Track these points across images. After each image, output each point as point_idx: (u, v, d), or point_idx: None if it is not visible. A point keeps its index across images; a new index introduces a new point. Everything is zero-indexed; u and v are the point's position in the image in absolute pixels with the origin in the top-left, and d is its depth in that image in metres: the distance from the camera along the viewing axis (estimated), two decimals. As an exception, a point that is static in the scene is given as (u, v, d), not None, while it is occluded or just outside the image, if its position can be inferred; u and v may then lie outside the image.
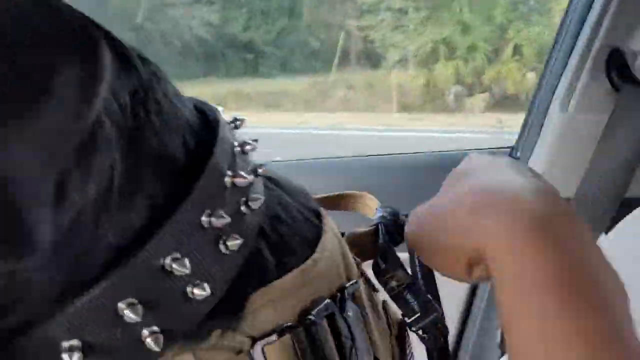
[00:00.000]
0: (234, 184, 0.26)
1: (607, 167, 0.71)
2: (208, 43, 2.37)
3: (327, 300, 0.29)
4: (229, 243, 0.25)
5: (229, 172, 0.26)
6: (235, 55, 2.39)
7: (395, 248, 0.42)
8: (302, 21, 2.42)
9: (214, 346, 0.26)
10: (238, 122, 0.29)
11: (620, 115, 0.72)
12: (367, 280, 0.35)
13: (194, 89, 0.42)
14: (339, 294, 0.31)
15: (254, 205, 0.27)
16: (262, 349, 0.27)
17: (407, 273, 0.36)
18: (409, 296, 0.35)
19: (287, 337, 0.27)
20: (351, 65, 2.52)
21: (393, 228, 0.38)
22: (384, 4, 2.43)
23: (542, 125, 0.74)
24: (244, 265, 0.27)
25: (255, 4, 2.35)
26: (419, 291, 0.36)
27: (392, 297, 0.36)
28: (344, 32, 2.42)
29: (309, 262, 0.29)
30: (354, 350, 0.29)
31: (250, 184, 0.27)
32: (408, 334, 0.38)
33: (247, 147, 0.28)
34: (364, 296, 0.32)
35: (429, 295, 0.37)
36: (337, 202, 0.42)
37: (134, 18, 1.95)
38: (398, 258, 0.36)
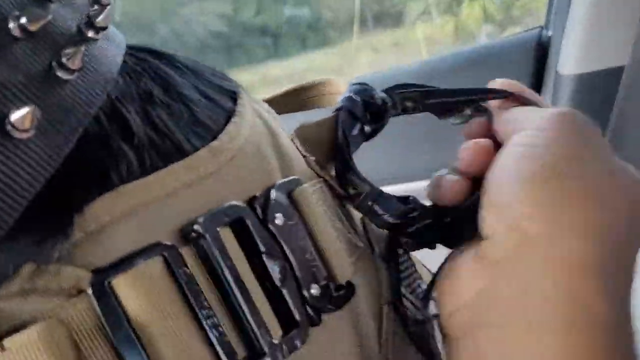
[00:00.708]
0: (27, 31, 0.18)
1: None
2: (224, 35, 2.36)
3: (233, 203, 0.22)
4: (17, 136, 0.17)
5: (17, 13, 0.18)
6: (253, 41, 2.37)
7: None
8: (313, -7, 2.36)
9: (23, 291, 0.18)
10: None
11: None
12: (331, 187, 0.29)
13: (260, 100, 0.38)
14: (263, 198, 0.24)
15: (73, 63, 0.19)
16: (109, 284, 0.19)
17: (363, 180, 0.28)
18: (375, 207, 0.28)
19: (154, 262, 0.20)
20: (372, 28, 2.44)
21: (363, 112, 0.31)
22: (394, -43, 2.33)
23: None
24: (75, 163, 0.20)
25: (263, -15, 2.30)
26: (388, 199, 0.29)
27: (357, 208, 0.29)
28: (359, -6, 2.34)
29: (201, 152, 0.23)
30: (288, 274, 0.23)
31: (77, 41, 0.20)
32: (400, 251, 0.30)
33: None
34: (317, 201, 0.26)
35: (410, 197, 0.29)
36: (292, 101, 0.34)
37: (146, 22, 1.94)
38: (350, 163, 0.28)
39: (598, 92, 0.67)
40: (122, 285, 0.19)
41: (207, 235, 0.21)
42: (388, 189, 0.32)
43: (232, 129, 0.25)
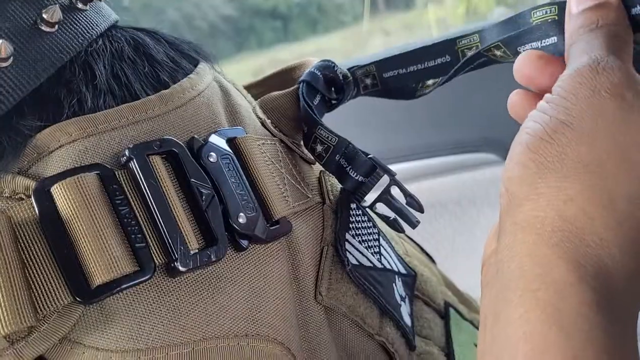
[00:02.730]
0: None
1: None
2: (234, 19, 2.36)
3: (166, 137, 0.26)
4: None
5: None
6: (263, 25, 2.36)
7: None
8: (323, -24, 2.34)
9: None
10: None
11: None
12: (288, 147, 0.32)
13: (230, 67, 0.40)
14: (202, 139, 0.27)
15: (51, 17, 0.25)
16: (48, 190, 0.23)
17: (332, 133, 0.31)
18: (342, 161, 0.31)
19: (88, 175, 0.23)
20: (382, 11, 2.43)
21: (324, 84, 0.34)
22: (405, -62, 2.31)
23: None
24: (38, 96, 0.24)
25: (273, -32, 2.29)
26: (354, 153, 0.32)
27: (325, 166, 0.32)
28: (369, -24, 2.32)
29: (151, 97, 0.27)
30: (214, 200, 0.26)
31: (66, 7, 0.27)
32: (354, 205, 0.33)
33: None
34: (261, 151, 0.30)
35: (371, 157, 0.31)
36: (280, 81, 0.38)
37: (156, 6, 1.95)
38: (315, 118, 0.32)
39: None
40: (59, 190, 0.23)
41: (135, 159, 0.24)
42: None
43: (185, 83, 0.29)
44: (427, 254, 0.46)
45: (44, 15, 0.25)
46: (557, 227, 0.19)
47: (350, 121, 0.69)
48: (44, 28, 0.25)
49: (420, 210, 0.34)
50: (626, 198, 0.19)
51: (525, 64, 0.26)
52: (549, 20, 0.29)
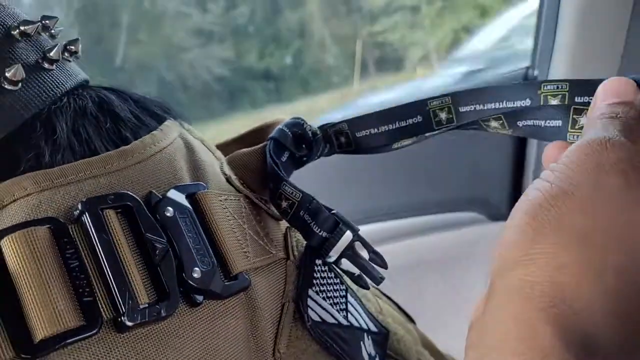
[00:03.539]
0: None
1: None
2: (227, 79, 2.41)
3: (121, 192, 0.26)
4: None
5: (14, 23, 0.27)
6: (255, 86, 2.42)
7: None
8: (314, 40, 2.43)
9: None
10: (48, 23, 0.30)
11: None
12: (254, 203, 0.33)
13: (222, 127, 0.41)
14: (160, 195, 0.27)
15: (13, 76, 0.26)
16: None
17: (296, 188, 0.31)
18: (306, 217, 0.31)
19: (39, 229, 0.23)
20: (373, 72, 2.49)
21: (292, 141, 0.35)
22: (395, 4, 2.41)
23: (556, 27, 0.66)
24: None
25: (265, 32, 2.38)
26: (318, 208, 0.33)
27: (290, 222, 0.32)
28: (359, 41, 2.41)
29: (111, 153, 0.27)
30: (168, 254, 0.26)
31: (31, 67, 0.28)
32: (320, 261, 0.34)
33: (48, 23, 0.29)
34: (222, 207, 0.29)
35: (334, 212, 0.31)
36: (258, 137, 0.38)
37: (150, 67, 1.99)
38: (280, 174, 0.32)
39: (582, 129, 0.68)
40: (8, 243, 0.23)
41: (87, 213, 0.24)
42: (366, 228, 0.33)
43: (147, 139, 0.29)
44: (406, 313, 0.45)
45: (7, 74, 0.26)
46: (547, 292, 0.20)
47: (334, 179, 0.69)
48: (7, 86, 0.26)
49: (384, 266, 0.33)
50: (614, 271, 0.19)
51: (553, 153, 0.28)
52: (559, 98, 0.30)
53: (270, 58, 2.30)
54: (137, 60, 1.99)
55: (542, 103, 0.30)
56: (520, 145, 0.82)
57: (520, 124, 0.31)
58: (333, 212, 0.32)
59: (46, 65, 0.29)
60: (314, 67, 2.37)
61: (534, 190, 0.22)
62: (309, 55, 2.35)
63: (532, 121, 0.30)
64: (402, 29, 2.26)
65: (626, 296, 0.19)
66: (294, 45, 2.31)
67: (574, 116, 0.29)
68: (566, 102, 0.29)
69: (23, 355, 0.22)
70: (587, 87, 0.29)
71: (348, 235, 0.32)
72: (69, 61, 0.32)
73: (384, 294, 0.44)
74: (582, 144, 0.22)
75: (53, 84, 0.29)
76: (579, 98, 0.29)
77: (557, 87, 0.30)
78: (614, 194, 0.20)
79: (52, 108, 0.29)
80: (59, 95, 0.29)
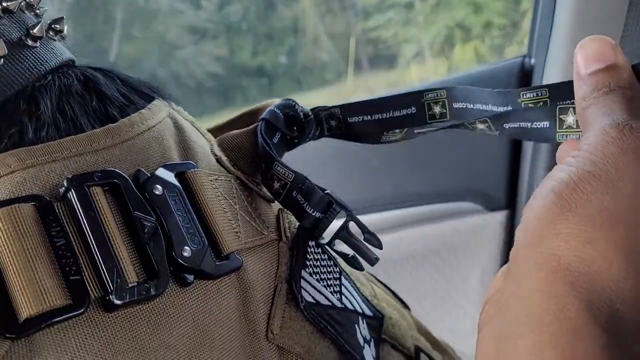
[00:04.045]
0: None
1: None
2: (221, 76, 2.40)
3: (108, 169, 0.25)
4: None
5: None
6: (249, 82, 2.41)
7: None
8: (307, 37, 2.44)
9: None
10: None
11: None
12: (245, 185, 0.32)
13: (217, 123, 0.40)
14: (149, 173, 0.27)
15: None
16: None
17: (288, 169, 0.30)
18: (299, 197, 0.30)
19: (24, 206, 0.23)
20: (367, 69, 2.50)
21: (284, 122, 0.34)
22: (388, 1, 2.41)
23: (553, 15, 0.66)
24: None
25: (259, 28, 2.38)
26: (311, 189, 0.32)
27: (282, 203, 0.32)
28: (353, 37, 2.41)
29: (96, 131, 0.27)
30: (157, 232, 0.25)
31: (14, 44, 0.27)
32: (313, 243, 0.33)
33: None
34: (213, 186, 0.29)
35: (327, 192, 0.31)
36: (237, 126, 0.38)
37: (144, 64, 1.98)
38: (272, 154, 0.31)
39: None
40: None
41: (73, 189, 0.24)
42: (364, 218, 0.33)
43: (135, 117, 0.29)
44: (400, 299, 0.45)
45: None
46: (574, 267, 0.20)
47: (331, 169, 0.69)
48: None
49: (379, 247, 0.33)
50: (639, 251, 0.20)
51: (567, 151, 0.27)
52: (540, 105, 0.29)
53: (264, 55, 2.30)
54: (131, 56, 1.98)
55: (522, 110, 0.30)
56: (516, 136, 0.82)
57: (506, 126, 0.31)
58: (327, 192, 0.32)
59: (30, 43, 0.28)
60: (307, 64, 2.37)
61: (558, 173, 0.22)
62: (303, 52, 2.34)
63: (518, 123, 0.30)
64: (396, 25, 2.26)
65: None
66: (288, 42, 2.31)
67: (561, 116, 0.29)
68: (549, 107, 0.29)
69: (7, 335, 0.22)
70: (568, 90, 0.28)
71: (342, 215, 0.31)
72: (54, 40, 0.31)
73: (378, 280, 0.44)
74: (600, 133, 0.23)
75: (37, 61, 0.28)
76: (561, 103, 0.29)
77: (537, 95, 0.30)
78: (637, 176, 0.21)
79: (36, 85, 0.28)
80: (42, 72, 0.28)
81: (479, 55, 2.22)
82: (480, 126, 0.32)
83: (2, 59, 0.27)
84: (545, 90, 0.29)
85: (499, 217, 0.86)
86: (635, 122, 0.22)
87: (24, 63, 0.28)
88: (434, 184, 0.86)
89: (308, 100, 2.35)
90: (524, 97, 0.30)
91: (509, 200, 0.86)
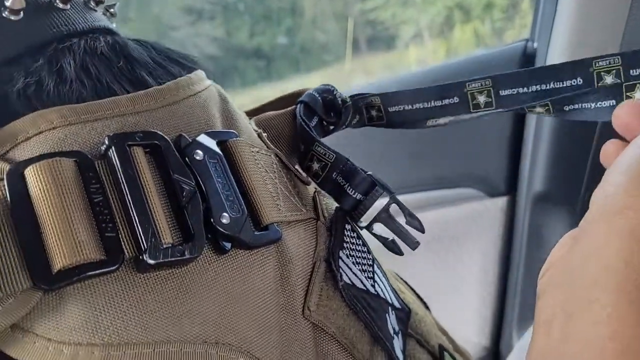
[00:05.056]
0: None
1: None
2: (218, 57, 2.38)
3: (150, 130, 0.25)
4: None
5: None
6: (246, 64, 2.39)
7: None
8: (305, 17, 2.41)
9: None
10: None
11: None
12: (282, 162, 0.32)
13: (251, 108, 0.39)
14: (191, 138, 0.27)
15: (13, 4, 0.26)
16: (21, 173, 0.23)
17: (329, 149, 0.30)
18: (340, 179, 0.30)
19: (65, 160, 0.23)
20: (365, 51, 2.47)
21: (322, 107, 0.33)
22: (386, -19, 2.37)
23: (557, 1, 0.65)
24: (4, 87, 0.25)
25: (256, 9, 2.35)
26: (353, 170, 0.32)
27: (321, 185, 0.32)
28: (351, 18, 2.38)
29: (140, 93, 0.27)
30: (196, 196, 0.25)
31: (45, 6, 0.27)
32: (349, 227, 0.32)
33: None
34: (254, 157, 0.29)
35: (369, 174, 0.30)
36: (287, 103, 0.37)
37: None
38: (313, 135, 0.31)
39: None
40: (32, 172, 0.22)
41: (114, 147, 0.24)
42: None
43: (182, 81, 0.28)
44: (422, 300, 0.44)
45: (6, 3, 0.26)
46: None
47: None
48: (8, 15, 0.26)
49: (422, 230, 0.32)
50: None
51: (626, 112, 0.27)
52: (612, 80, 0.29)
53: (261, 36, 2.27)
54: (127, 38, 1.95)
55: (595, 81, 0.30)
56: (518, 123, 0.81)
57: (567, 108, 0.31)
58: (369, 173, 0.31)
59: (59, 5, 0.28)
60: (305, 45, 2.35)
61: (638, 147, 0.23)
62: (300, 33, 2.32)
63: (579, 104, 0.30)
64: (394, 6, 2.24)
65: None
66: (285, 23, 2.28)
67: (627, 93, 0.29)
68: (622, 78, 0.29)
69: (40, 285, 0.22)
70: None
71: (385, 198, 0.31)
72: (94, 10, 0.31)
73: (403, 280, 0.43)
74: None
75: (62, 21, 0.28)
76: (634, 71, 0.29)
77: (609, 63, 0.30)
78: None
79: (59, 47, 0.28)
80: (66, 33, 0.28)
81: (478, 36, 2.20)
82: (539, 109, 0.32)
83: (21, 13, 0.27)
84: (618, 58, 0.29)
85: (500, 203, 0.86)
86: None
87: (47, 21, 0.28)
88: (435, 170, 0.85)
89: (306, 83, 2.33)
90: (596, 65, 0.30)
91: (510, 187, 0.85)
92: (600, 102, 0.29)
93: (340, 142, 0.67)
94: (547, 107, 0.31)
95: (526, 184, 0.82)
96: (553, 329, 0.21)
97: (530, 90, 0.32)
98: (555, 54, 0.70)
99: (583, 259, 0.22)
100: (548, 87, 0.31)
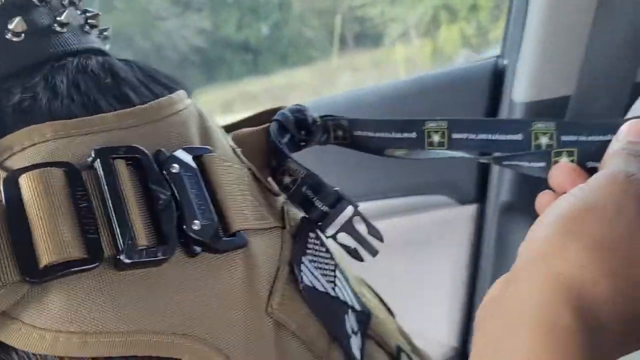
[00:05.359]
0: None
1: (608, 48, 0.63)
2: (204, 50, 2.36)
3: (133, 145, 0.28)
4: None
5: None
6: (233, 57, 2.38)
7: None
8: (293, 12, 2.40)
9: None
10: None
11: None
12: (255, 176, 0.34)
13: (200, 98, 0.41)
14: (168, 152, 0.29)
15: (15, 27, 0.28)
16: (16, 180, 0.25)
17: (301, 165, 0.34)
18: (308, 192, 0.31)
19: (55, 170, 0.26)
20: (352, 47, 2.48)
21: (294, 125, 0.36)
22: (375, -22, 2.37)
23: (525, 19, 0.67)
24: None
25: (244, 2, 2.33)
26: (321, 185, 0.35)
27: (290, 197, 0.35)
28: (339, 14, 2.38)
29: (126, 110, 0.29)
30: (170, 205, 0.28)
31: (44, 30, 0.30)
32: (314, 235, 0.35)
33: None
34: (227, 171, 0.31)
35: (336, 189, 0.34)
36: (248, 125, 0.39)
37: (127, 36, 1.95)
38: (286, 152, 0.34)
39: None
40: (26, 179, 0.25)
41: (99, 160, 0.27)
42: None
43: (164, 101, 0.31)
44: (386, 306, 0.47)
45: (9, 26, 0.29)
46: (569, 284, 0.24)
47: (306, 161, 0.69)
48: (10, 37, 0.29)
49: (381, 239, 0.35)
50: (624, 277, 0.24)
51: (560, 172, 0.31)
52: (546, 141, 0.34)
53: (249, 29, 2.27)
54: (113, 28, 1.94)
55: (532, 139, 0.34)
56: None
57: (505, 162, 0.35)
58: (335, 188, 0.35)
59: (57, 28, 0.31)
60: (292, 40, 2.35)
61: (564, 202, 0.26)
62: (288, 27, 2.32)
63: (516, 162, 0.34)
64: (383, 4, 2.24)
65: (630, 296, 0.24)
66: (273, 17, 2.28)
67: (555, 158, 0.33)
68: (554, 141, 0.34)
69: (27, 279, 0.24)
70: (572, 127, 0.34)
71: (349, 210, 0.34)
72: (88, 33, 0.33)
73: (367, 285, 0.45)
74: (609, 173, 0.27)
75: (58, 42, 0.31)
76: (565, 137, 0.34)
77: (546, 127, 0.34)
78: (633, 219, 0.25)
79: (54, 65, 0.30)
80: (61, 53, 0.31)
81: (464, 38, 2.22)
82: (483, 160, 0.36)
83: (22, 35, 0.29)
84: (553, 124, 0.34)
85: (470, 211, 0.88)
86: None
87: (45, 42, 0.30)
88: (407, 178, 0.87)
89: (293, 77, 2.34)
90: (535, 126, 0.34)
91: (479, 195, 0.87)
92: (533, 163, 0.33)
93: (315, 149, 0.69)
94: (488, 161, 0.35)
95: (494, 193, 0.85)
96: (485, 357, 0.25)
97: (478, 138, 0.35)
98: (523, 72, 0.73)
99: (512, 299, 0.25)
100: (493, 138, 0.34)
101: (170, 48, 2.12)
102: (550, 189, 0.32)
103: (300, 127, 0.38)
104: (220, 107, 2.08)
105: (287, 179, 0.34)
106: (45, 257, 0.24)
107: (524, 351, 0.23)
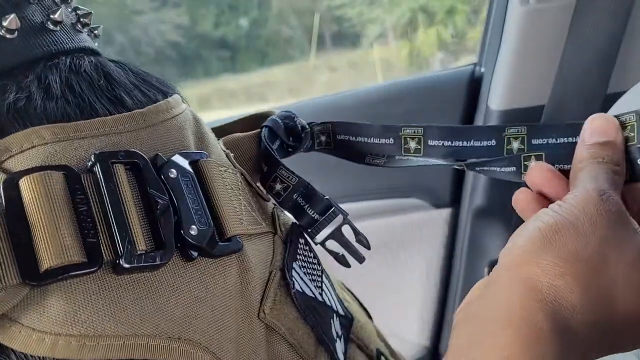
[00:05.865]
0: None
1: (581, 60, 0.65)
2: (181, 46, 2.34)
3: (131, 149, 0.28)
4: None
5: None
6: (210, 54, 2.36)
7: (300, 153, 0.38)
8: (272, 11, 2.39)
9: None
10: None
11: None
12: (247, 181, 0.35)
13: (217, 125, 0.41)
14: (165, 157, 0.29)
15: (10, 24, 0.28)
16: (16, 182, 0.25)
17: (292, 172, 0.35)
18: (300, 200, 0.32)
19: (55, 173, 0.26)
20: (330, 47, 2.48)
21: (284, 132, 0.37)
22: (354, -20, 2.37)
23: (502, 29, 0.68)
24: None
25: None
26: (312, 193, 0.36)
27: (281, 204, 0.36)
28: (317, 14, 2.38)
29: (118, 116, 0.29)
30: (168, 210, 0.28)
31: (37, 28, 0.29)
32: (303, 240, 0.36)
33: None
34: (222, 176, 0.32)
35: (327, 198, 0.35)
36: (237, 129, 0.39)
37: (102, 29, 1.92)
38: (277, 158, 0.35)
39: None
40: (26, 182, 0.25)
41: (99, 164, 0.27)
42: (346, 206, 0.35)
43: (162, 105, 0.31)
44: (366, 310, 0.48)
45: (3, 23, 0.29)
46: (545, 290, 0.26)
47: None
48: (4, 34, 0.29)
49: (368, 247, 0.37)
50: (596, 288, 0.26)
51: (535, 172, 0.33)
52: (518, 145, 0.36)
53: (227, 26, 2.25)
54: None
55: (505, 144, 0.36)
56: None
57: (478, 169, 0.36)
58: (326, 197, 0.35)
59: (50, 27, 0.31)
60: (270, 38, 2.34)
61: (545, 215, 0.29)
62: (266, 25, 2.31)
63: (488, 167, 0.36)
64: (361, 5, 2.25)
65: (600, 304, 0.26)
66: (251, 14, 2.27)
67: (525, 162, 0.34)
68: (525, 145, 0.35)
69: (28, 282, 0.24)
70: (542, 130, 0.35)
71: (339, 218, 0.35)
72: (81, 32, 0.33)
73: (349, 290, 0.47)
74: (585, 193, 0.29)
75: (51, 41, 0.31)
76: (535, 140, 0.35)
77: (518, 131, 0.35)
78: (606, 235, 0.27)
79: (47, 64, 0.30)
80: (54, 51, 0.31)
81: (441, 42, 2.24)
82: (457, 166, 0.38)
83: (15, 32, 0.29)
84: (524, 128, 0.35)
85: (444, 214, 0.90)
86: (613, 193, 0.29)
87: (37, 40, 0.30)
88: (384, 180, 0.88)
89: (271, 76, 2.33)
90: (508, 131, 0.35)
91: (454, 199, 0.89)
92: (504, 168, 0.35)
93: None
94: (461, 167, 0.37)
95: (468, 198, 0.87)
96: (462, 354, 0.26)
97: (453, 145, 0.36)
98: (499, 79, 0.74)
99: (489, 301, 0.27)
100: (468, 145, 0.36)
101: (146, 43, 2.10)
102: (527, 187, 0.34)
103: (289, 134, 0.39)
104: (196, 102, 2.07)
105: (278, 186, 0.35)
106: (46, 261, 0.25)
107: (499, 349, 0.25)
